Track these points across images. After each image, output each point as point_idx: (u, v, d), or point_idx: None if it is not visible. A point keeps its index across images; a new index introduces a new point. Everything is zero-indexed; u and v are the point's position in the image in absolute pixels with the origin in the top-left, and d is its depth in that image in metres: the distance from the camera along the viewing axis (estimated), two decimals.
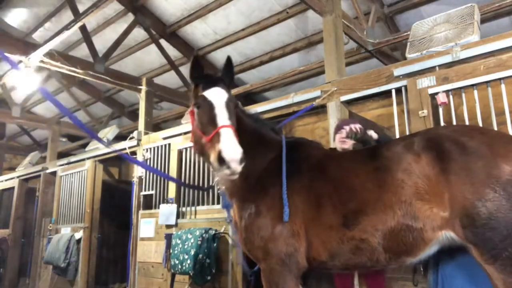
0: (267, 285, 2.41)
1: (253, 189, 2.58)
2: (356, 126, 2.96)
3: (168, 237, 4.77)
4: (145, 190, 5.52)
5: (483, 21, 4.33)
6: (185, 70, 7.68)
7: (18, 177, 8.45)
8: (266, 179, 2.58)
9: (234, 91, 6.87)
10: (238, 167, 2.12)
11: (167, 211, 4.99)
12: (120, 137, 7.03)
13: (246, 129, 2.65)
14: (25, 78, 6.43)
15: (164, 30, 7.05)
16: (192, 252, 4.13)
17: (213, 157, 2.16)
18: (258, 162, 2.65)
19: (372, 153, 2.41)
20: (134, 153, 5.81)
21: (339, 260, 2.30)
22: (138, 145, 5.75)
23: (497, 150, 1.99)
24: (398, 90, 3.47)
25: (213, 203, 4.69)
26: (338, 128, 3.10)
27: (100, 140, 3.32)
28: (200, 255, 4.13)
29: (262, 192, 2.53)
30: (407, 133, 3.32)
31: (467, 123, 3.11)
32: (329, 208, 2.31)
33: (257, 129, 2.81)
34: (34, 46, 5.38)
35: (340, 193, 2.31)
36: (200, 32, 6.99)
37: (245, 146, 2.35)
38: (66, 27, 5.13)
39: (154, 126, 7.21)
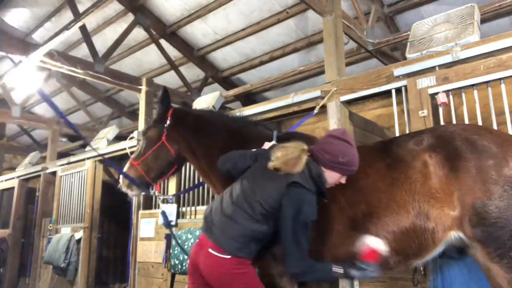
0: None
1: None
2: None
3: (168, 237, 4.77)
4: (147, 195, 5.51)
5: (483, 21, 4.32)
6: (185, 70, 7.69)
7: (18, 177, 8.44)
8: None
9: (234, 91, 6.88)
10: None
11: (167, 211, 4.99)
12: (120, 137, 7.02)
13: (216, 133, 2.83)
14: (25, 78, 6.44)
15: (164, 30, 7.05)
16: None
17: None
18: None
19: (380, 149, 2.36)
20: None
21: (344, 264, 2.21)
22: (138, 145, 5.74)
23: (508, 149, 1.99)
24: (398, 90, 3.47)
25: None
26: None
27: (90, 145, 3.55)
28: None
29: None
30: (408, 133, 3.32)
31: (467, 123, 3.11)
32: (334, 211, 2.23)
33: (236, 129, 2.86)
34: (34, 46, 5.38)
35: (348, 194, 2.23)
36: (200, 32, 6.99)
37: (217, 151, 2.64)
38: (66, 27, 5.13)
39: None
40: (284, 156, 2.14)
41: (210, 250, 2.08)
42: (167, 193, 5.16)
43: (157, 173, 2.93)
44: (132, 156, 3.03)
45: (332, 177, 2.17)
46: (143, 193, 3.11)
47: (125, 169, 2.98)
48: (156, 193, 3.20)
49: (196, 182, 4.84)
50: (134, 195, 3.08)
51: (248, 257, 2.11)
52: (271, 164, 2.16)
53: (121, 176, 2.97)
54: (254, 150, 2.46)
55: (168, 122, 2.91)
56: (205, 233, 2.19)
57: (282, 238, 2.06)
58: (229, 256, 2.04)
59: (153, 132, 2.98)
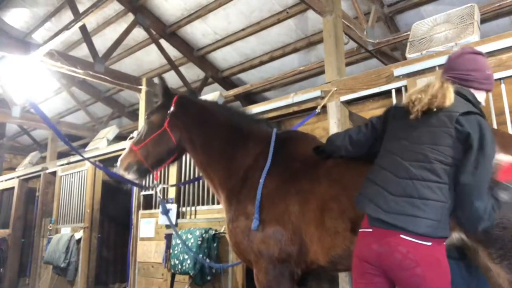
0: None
1: (239, 189, 2.52)
2: None
3: (168, 237, 4.77)
4: (145, 190, 5.52)
5: (483, 21, 4.32)
6: (185, 70, 7.69)
7: (18, 177, 8.45)
8: (252, 178, 2.50)
9: (234, 91, 6.89)
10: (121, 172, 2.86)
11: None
12: (120, 137, 7.03)
13: (217, 126, 2.78)
14: (25, 78, 6.44)
15: (164, 30, 7.05)
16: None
17: None
18: (240, 160, 2.62)
19: None
20: None
21: (343, 265, 2.20)
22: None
23: (510, 150, 1.95)
24: (398, 90, 3.47)
25: (213, 203, 4.69)
26: None
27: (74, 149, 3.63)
28: (200, 255, 4.13)
29: (249, 192, 2.44)
30: None
31: None
32: (335, 213, 2.17)
33: (237, 124, 2.79)
34: (34, 46, 5.38)
35: (349, 195, 2.12)
36: (200, 32, 6.99)
37: (217, 144, 2.65)
38: (66, 27, 5.13)
39: None
40: (428, 90, 1.85)
41: None
42: (167, 195, 5.17)
43: (156, 159, 2.85)
44: (133, 140, 2.95)
45: (482, 97, 1.97)
46: (139, 182, 3.00)
47: (124, 153, 2.92)
48: (155, 182, 3.11)
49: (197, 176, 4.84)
50: (129, 181, 2.96)
51: None
52: (419, 107, 1.83)
53: (119, 159, 2.88)
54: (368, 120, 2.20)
55: (172, 109, 2.84)
56: None
57: (470, 187, 1.73)
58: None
59: (155, 118, 2.91)
